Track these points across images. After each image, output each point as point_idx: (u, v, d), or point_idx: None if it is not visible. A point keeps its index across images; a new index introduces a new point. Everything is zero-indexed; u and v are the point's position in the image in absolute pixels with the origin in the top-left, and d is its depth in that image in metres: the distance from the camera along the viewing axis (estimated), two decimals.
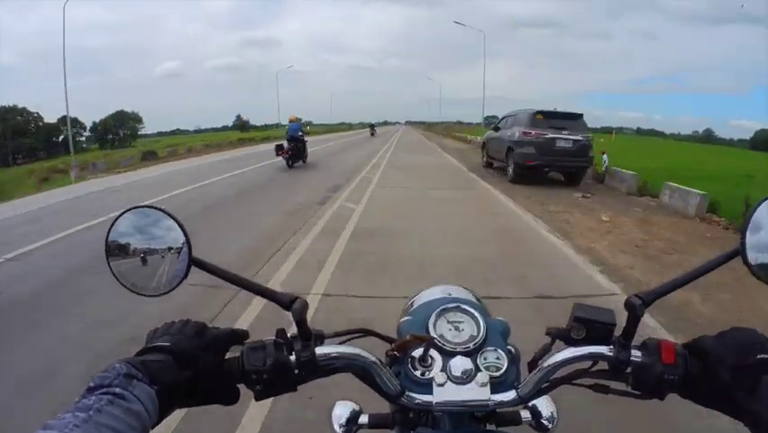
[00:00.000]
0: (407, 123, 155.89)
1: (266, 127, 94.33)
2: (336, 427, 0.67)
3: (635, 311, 0.52)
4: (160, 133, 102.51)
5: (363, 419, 0.68)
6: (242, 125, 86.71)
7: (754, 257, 0.50)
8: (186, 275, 0.52)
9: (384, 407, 0.67)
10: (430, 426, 0.64)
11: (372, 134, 36.61)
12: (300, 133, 12.11)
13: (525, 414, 0.67)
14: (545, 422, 0.66)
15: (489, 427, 0.64)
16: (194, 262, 0.52)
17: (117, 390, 0.41)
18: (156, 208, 0.53)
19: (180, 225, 0.53)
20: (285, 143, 11.69)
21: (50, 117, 58.13)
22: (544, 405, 0.67)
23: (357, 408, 0.69)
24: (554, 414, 0.67)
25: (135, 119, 72.34)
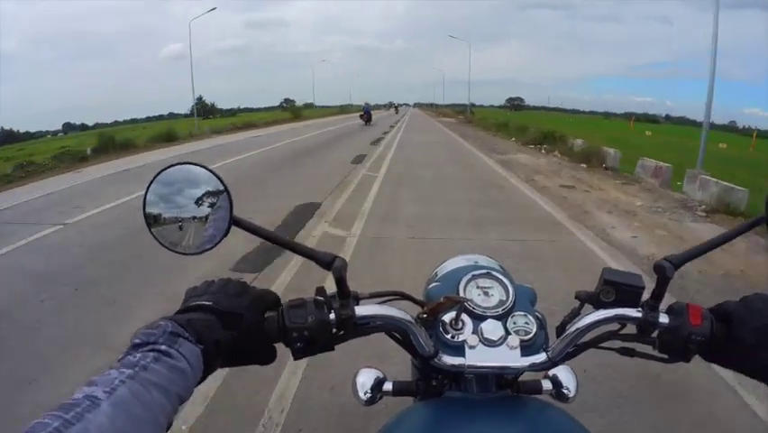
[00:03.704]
0: (416, 105, 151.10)
1: (235, 112, 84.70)
2: (361, 393, 0.71)
3: (664, 273, 0.57)
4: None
5: (387, 386, 0.73)
6: (203, 110, 76.16)
7: None
8: (226, 233, 0.55)
9: (405, 376, 0.78)
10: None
11: (397, 112, 52.05)
12: (369, 109, 29.30)
13: (546, 384, 0.72)
14: (566, 391, 0.72)
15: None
16: (234, 221, 0.55)
17: (163, 347, 0.44)
18: (200, 166, 0.55)
19: (223, 184, 0.55)
20: (363, 113, 28.37)
21: None
22: (565, 375, 0.73)
23: (381, 375, 0.73)
24: (575, 384, 0.73)
25: None
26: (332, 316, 0.57)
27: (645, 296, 0.61)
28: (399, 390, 0.73)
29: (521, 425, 0.62)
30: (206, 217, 0.55)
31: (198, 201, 0.55)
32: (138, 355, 0.43)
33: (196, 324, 0.49)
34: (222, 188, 0.55)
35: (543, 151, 14.20)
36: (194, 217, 0.55)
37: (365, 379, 0.73)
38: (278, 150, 14.41)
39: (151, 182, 0.55)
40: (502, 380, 0.69)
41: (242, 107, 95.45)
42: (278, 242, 0.58)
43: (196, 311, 0.52)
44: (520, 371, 0.63)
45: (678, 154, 11.90)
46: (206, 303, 0.53)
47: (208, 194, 0.55)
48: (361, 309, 0.59)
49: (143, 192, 0.55)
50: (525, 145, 15.87)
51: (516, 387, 0.70)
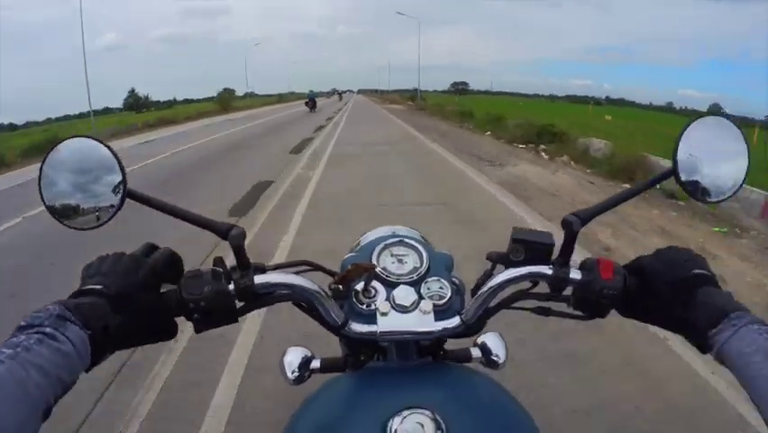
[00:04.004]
0: (360, 91, 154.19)
1: (172, 104, 77.20)
2: (289, 373, 0.68)
3: (571, 228, 0.57)
4: None
5: (315, 363, 0.69)
6: (135, 104, 67.38)
7: (685, 176, 0.58)
8: (120, 206, 0.55)
9: (337, 351, 0.74)
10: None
11: (340, 98, 55.13)
12: (314, 96, 31.93)
13: (475, 352, 0.70)
14: (495, 358, 0.69)
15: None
16: (129, 193, 0.55)
17: (48, 329, 0.44)
18: (92, 138, 0.56)
19: (115, 155, 0.55)
20: (308, 101, 30.74)
21: None
22: (494, 342, 0.70)
23: (309, 353, 0.70)
24: (504, 350, 0.70)
25: None
26: (231, 286, 0.55)
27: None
28: (327, 366, 0.70)
29: (438, 390, 0.61)
30: (102, 190, 0.55)
31: (92, 176, 0.55)
32: (22, 337, 0.43)
33: (84, 308, 0.48)
34: (116, 162, 0.55)
35: (543, 154, 9.78)
36: (90, 191, 0.55)
37: (292, 358, 0.69)
38: (142, 172, 8.73)
39: (46, 157, 0.55)
40: (425, 349, 0.68)
41: (180, 99, 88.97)
42: (173, 212, 0.57)
43: (87, 295, 0.51)
44: (434, 335, 0.62)
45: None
46: (95, 287, 0.51)
47: (100, 167, 0.55)
48: (263, 278, 0.57)
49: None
50: (511, 145, 11.31)
51: (442, 355, 0.68)
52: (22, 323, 0.44)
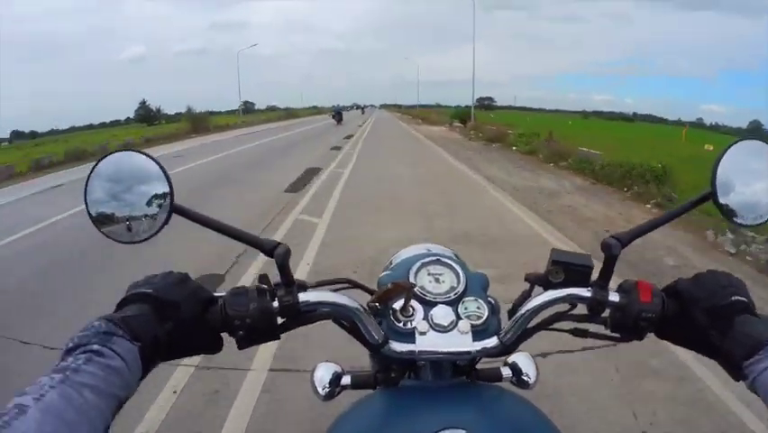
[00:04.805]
0: (382, 106, 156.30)
1: (182, 117, 73.26)
2: (320, 389, 0.67)
3: (611, 251, 0.56)
4: None
5: (346, 380, 0.68)
6: (147, 116, 64.83)
7: (724, 199, 0.57)
8: (167, 222, 0.55)
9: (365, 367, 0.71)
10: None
11: (363, 112, 59.62)
12: (340, 110, 36.67)
13: (506, 372, 0.68)
14: (526, 378, 0.67)
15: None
16: (175, 209, 0.54)
17: (96, 347, 0.42)
18: (140, 153, 0.55)
19: (163, 171, 0.54)
20: (334, 114, 34.18)
21: None
22: (524, 361, 0.68)
23: (339, 369, 0.69)
24: (534, 370, 0.68)
25: None
26: (275, 304, 0.55)
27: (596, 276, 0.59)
28: (358, 383, 0.68)
29: (474, 410, 0.60)
30: (148, 205, 0.54)
31: (139, 189, 0.54)
32: (70, 359, 0.41)
33: (131, 321, 0.47)
34: (164, 177, 0.54)
35: None
36: (136, 205, 0.54)
37: (323, 373, 0.67)
38: None
39: (94, 168, 0.53)
40: (458, 368, 0.67)
41: (198, 111, 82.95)
42: (221, 230, 0.56)
43: (135, 302, 0.50)
44: (472, 356, 0.61)
45: None
46: (146, 291, 0.51)
47: (148, 181, 0.54)
48: (307, 296, 0.56)
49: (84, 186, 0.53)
50: None
51: (474, 375, 0.66)
52: (69, 345, 0.43)
